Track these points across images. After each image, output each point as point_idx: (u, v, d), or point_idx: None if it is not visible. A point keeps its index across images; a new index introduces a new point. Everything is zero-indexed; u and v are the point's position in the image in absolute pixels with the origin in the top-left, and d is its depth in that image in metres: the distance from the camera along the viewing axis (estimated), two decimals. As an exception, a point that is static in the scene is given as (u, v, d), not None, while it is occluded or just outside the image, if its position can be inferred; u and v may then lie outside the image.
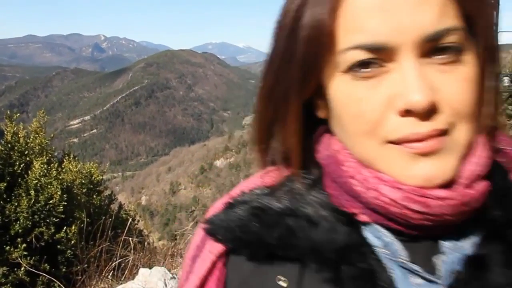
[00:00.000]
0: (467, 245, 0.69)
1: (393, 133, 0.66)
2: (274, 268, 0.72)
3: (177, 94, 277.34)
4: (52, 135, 6.30)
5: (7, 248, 4.50)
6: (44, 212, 4.78)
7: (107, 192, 7.28)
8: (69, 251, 4.91)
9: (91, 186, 6.23)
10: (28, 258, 4.53)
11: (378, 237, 0.70)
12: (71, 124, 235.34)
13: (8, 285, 4.48)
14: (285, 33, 0.71)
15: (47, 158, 5.25)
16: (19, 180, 4.89)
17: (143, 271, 4.31)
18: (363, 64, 0.65)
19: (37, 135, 5.62)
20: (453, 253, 0.69)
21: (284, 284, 0.70)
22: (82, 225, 4.92)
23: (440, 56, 0.65)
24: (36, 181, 4.84)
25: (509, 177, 0.74)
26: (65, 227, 4.89)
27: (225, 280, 0.76)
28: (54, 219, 4.82)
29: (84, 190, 5.94)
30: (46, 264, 4.68)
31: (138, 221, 7.69)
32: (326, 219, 0.72)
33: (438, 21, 0.64)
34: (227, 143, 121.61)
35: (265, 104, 0.79)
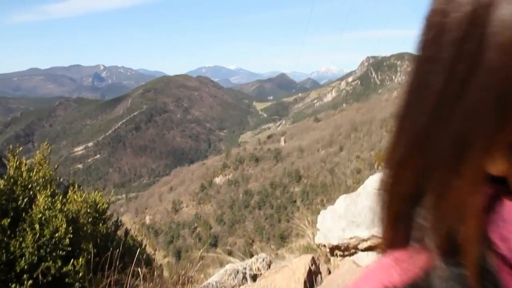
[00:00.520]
0: None
1: None
2: None
3: (175, 117, 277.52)
4: (56, 166, 6.00)
5: (13, 286, 4.19)
6: (50, 246, 4.48)
7: (113, 219, 6.96)
8: (77, 284, 4.59)
9: (97, 215, 5.94)
10: (36, 294, 4.23)
11: None
12: (75, 151, 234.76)
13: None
14: (453, 41, 0.51)
15: (51, 190, 4.95)
16: (23, 215, 4.60)
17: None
18: None
19: (41, 167, 5.35)
20: None
21: None
22: (90, 256, 4.63)
23: None
24: (41, 215, 4.56)
25: None
26: (72, 260, 4.59)
27: None
28: (60, 252, 4.52)
29: (90, 220, 5.64)
30: (54, 299, 4.38)
31: (145, 245, 7.37)
32: None
33: None
34: (225, 160, 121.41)
35: (411, 156, 0.55)
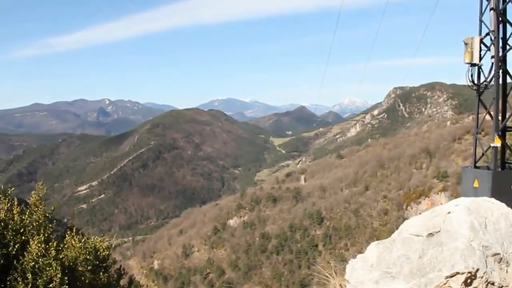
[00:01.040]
0: None
1: None
2: None
3: (185, 154, 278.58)
4: (53, 208, 5.87)
5: None
6: (43, 298, 4.31)
7: (116, 266, 6.77)
8: None
9: (97, 262, 5.77)
10: None
11: None
12: (79, 190, 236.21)
13: None
14: None
15: (46, 235, 4.80)
16: (15, 262, 4.45)
17: None
18: None
19: (36, 209, 5.23)
20: None
21: None
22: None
23: None
24: (34, 262, 4.40)
25: None
26: (68, 314, 4.40)
27: None
28: (55, 305, 4.34)
29: (89, 267, 5.47)
30: None
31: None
32: None
33: None
34: (240, 200, 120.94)
35: None
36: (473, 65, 12.84)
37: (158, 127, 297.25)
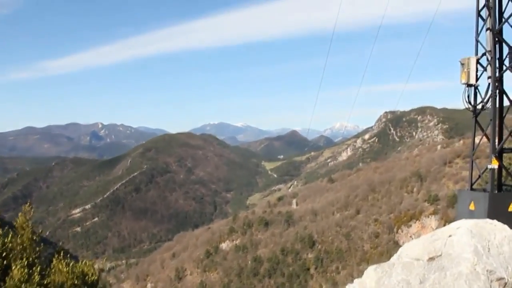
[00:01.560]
0: None
1: None
2: None
3: (178, 177, 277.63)
4: (40, 231, 5.60)
5: None
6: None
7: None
8: None
9: (85, 287, 5.47)
10: None
11: None
12: (73, 214, 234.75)
13: None
14: None
15: (30, 259, 4.54)
16: (-4, 288, 4.19)
17: None
18: None
19: (23, 231, 4.96)
20: None
21: None
22: None
23: None
24: (16, 289, 4.13)
25: None
26: None
27: None
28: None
29: (76, 293, 5.18)
30: None
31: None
32: None
33: None
34: (232, 224, 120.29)
35: None
36: (469, 85, 12.67)
37: (151, 151, 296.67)
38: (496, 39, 12.38)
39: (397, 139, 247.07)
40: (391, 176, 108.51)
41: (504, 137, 12.82)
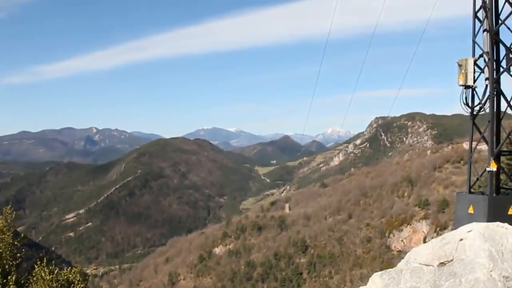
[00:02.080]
0: None
1: None
2: None
3: (171, 182, 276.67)
4: (22, 236, 5.24)
5: None
6: None
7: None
8: None
9: (71, 296, 5.02)
10: None
11: None
12: (66, 218, 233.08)
13: None
14: None
15: (6, 268, 4.16)
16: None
17: None
18: None
19: (3, 236, 4.59)
20: None
21: None
22: None
23: None
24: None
25: None
26: None
27: None
28: None
29: (61, 302, 4.76)
30: None
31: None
32: None
33: None
34: (225, 229, 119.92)
35: None
36: (467, 87, 12.40)
37: (145, 156, 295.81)
38: (494, 40, 12.13)
39: (388, 144, 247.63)
40: (382, 181, 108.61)
41: (502, 139, 12.54)
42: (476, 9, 12.56)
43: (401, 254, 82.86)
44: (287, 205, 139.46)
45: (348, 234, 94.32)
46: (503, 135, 12.65)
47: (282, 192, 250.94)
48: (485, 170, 12.14)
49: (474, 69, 12.30)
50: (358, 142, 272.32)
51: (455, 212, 12.93)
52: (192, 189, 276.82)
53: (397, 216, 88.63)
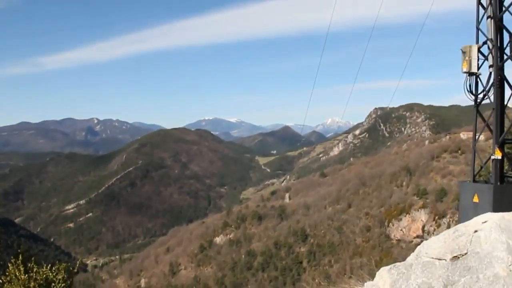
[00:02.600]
0: None
1: None
2: None
3: (172, 173, 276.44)
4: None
5: None
6: None
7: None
8: None
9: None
10: None
11: None
12: (66, 209, 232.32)
13: None
14: None
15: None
16: None
17: None
18: None
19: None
20: None
21: None
22: None
23: None
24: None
25: None
26: None
27: None
28: None
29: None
30: None
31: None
32: None
33: None
34: (226, 218, 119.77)
35: None
36: (471, 74, 12.07)
37: (146, 146, 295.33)
38: (498, 27, 11.79)
39: (386, 135, 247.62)
40: (381, 170, 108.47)
41: (507, 126, 12.21)
42: (480, -5, 12.24)
43: (400, 243, 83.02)
44: (287, 195, 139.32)
45: (347, 223, 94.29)
46: (507, 123, 12.33)
47: (282, 182, 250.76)
48: (489, 158, 11.86)
49: (478, 56, 11.98)
50: (357, 132, 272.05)
51: (459, 202, 12.64)
52: (193, 179, 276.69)
53: (396, 205, 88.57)
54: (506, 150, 12.74)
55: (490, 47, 11.88)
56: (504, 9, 12.02)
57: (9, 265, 4.22)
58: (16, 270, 4.11)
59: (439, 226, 77.11)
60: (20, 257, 4.46)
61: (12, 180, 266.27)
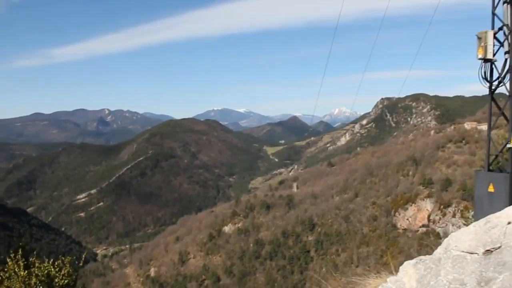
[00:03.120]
0: None
1: None
2: None
3: (182, 162, 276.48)
4: None
5: None
6: None
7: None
8: None
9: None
10: None
11: None
12: (77, 199, 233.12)
13: None
14: None
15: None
16: None
17: None
18: None
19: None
20: None
21: None
22: None
23: None
24: None
25: None
26: None
27: None
28: None
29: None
30: None
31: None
32: None
33: None
34: (235, 208, 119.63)
35: None
36: (486, 60, 11.57)
37: (156, 137, 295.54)
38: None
39: (393, 125, 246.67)
40: (387, 160, 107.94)
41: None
42: (496, -20, 11.73)
43: (406, 232, 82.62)
44: (295, 184, 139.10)
45: (354, 213, 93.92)
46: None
47: (290, 171, 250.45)
48: (505, 146, 11.43)
49: (494, 42, 11.50)
50: (364, 122, 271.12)
51: (474, 191, 12.20)
52: (202, 169, 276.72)
53: (402, 195, 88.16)
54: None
55: (506, 32, 11.35)
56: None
57: (8, 260, 3.84)
58: (16, 266, 3.76)
59: (444, 215, 76.72)
60: (20, 251, 4.09)
61: (25, 170, 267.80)
